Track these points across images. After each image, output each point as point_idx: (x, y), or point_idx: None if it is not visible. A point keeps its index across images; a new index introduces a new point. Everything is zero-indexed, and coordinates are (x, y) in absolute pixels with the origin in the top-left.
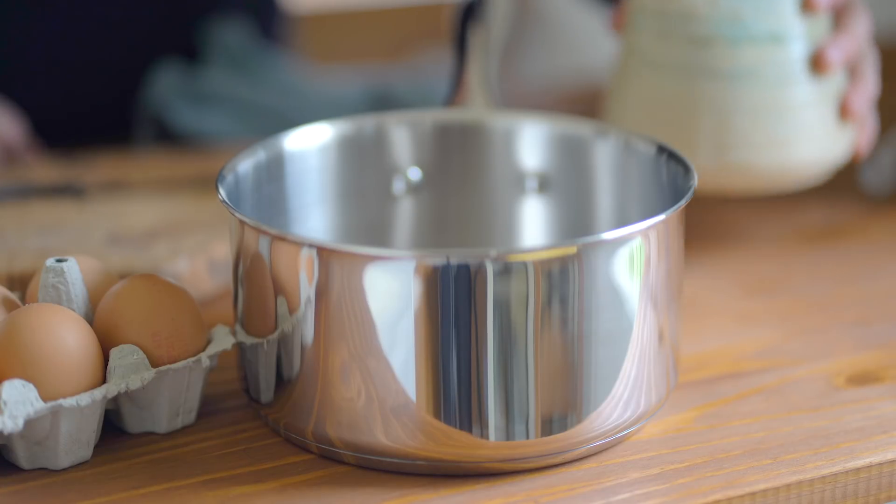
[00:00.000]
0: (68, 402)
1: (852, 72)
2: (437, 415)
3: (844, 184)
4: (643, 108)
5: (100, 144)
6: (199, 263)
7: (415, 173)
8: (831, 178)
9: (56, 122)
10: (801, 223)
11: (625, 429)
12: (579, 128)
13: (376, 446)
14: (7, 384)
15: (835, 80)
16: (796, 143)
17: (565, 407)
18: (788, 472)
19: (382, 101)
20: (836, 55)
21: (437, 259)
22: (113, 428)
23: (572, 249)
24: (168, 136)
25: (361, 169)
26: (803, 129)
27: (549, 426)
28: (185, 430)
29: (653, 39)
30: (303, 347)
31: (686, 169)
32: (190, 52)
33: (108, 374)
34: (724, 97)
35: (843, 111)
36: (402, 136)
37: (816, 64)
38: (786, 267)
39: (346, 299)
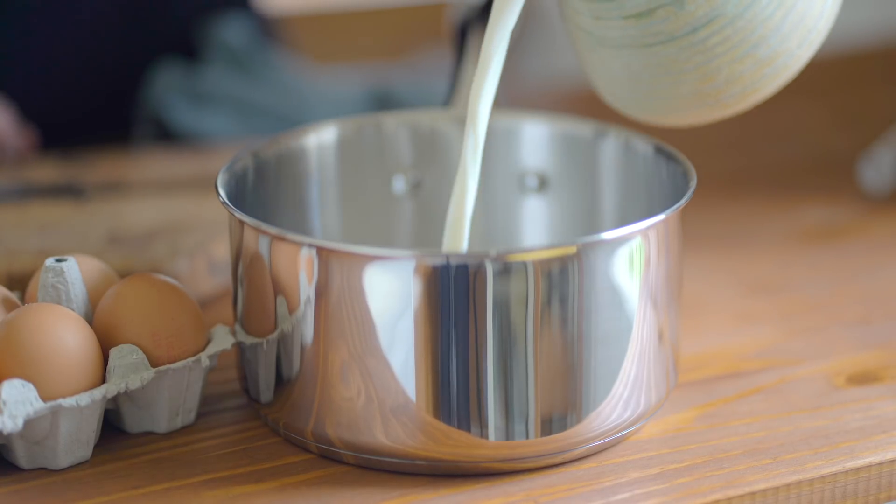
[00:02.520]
0: (68, 401)
1: None
2: (436, 415)
3: (844, 184)
4: (616, 82)
5: (100, 144)
6: (199, 263)
7: (415, 173)
8: (831, 178)
9: (55, 121)
10: (801, 223)
11: (625, 429)
12: (579, 127)
13: (376, 446)
14: (7, 384)
15: None
16: (789, 49)
17: (565, 407)
18: (788, 471)
19: (382, 101)
20: None
21: (437, 259)
22: (113, 428)
23: (572, 249)
24: (168, 136)
25: (361, 169)
26: (790, 31)
27: (549, 426)
28: (184, 430)
29: (613, 26)
30: (303, 347)
31: (686, 169)
32: (190, 52)
33: (107, 374)
34: (699, 51)
35: None
36: (402, 136)
37: None
38: (786, 267)
39: (346, 299)
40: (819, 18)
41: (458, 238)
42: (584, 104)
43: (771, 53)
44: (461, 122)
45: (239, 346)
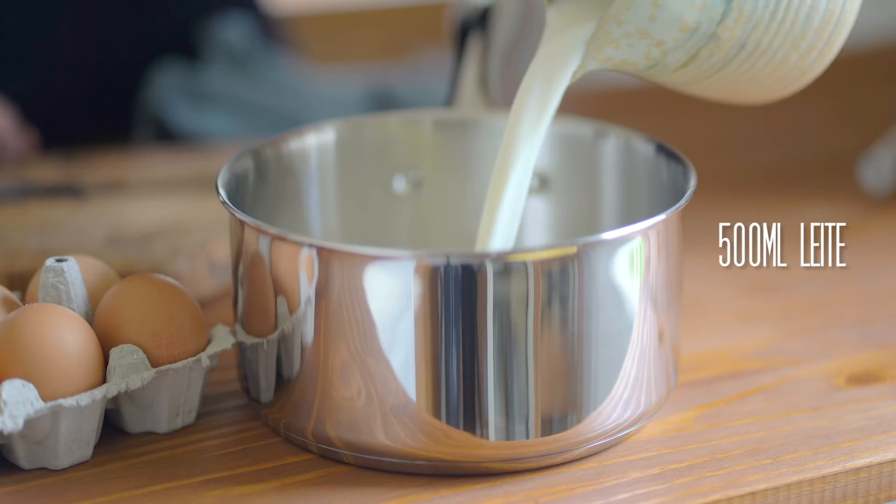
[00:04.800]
0: (68, 401)
1: None
2: (437, 415)
3: (845, 184)
4: (704, 95)
5: (100, 144)
6: (199, 263)
7: (415, 173)
8: (832, 178)
9: (56, 121)
10: (801, 223)
11: (625, 429)
12: (580, 127)
13: (376, 446)
14: (7, 384)
15: None
16: (834, 31)
17: (565, 407)
18: (788, 471)
19: (382, 101)
20: None
21: (437, 259)
22: (113, 428)
23: (572, 249)
24: (168, 136)
25: (361, 169)
26: (831, 16)
27: (549, 426)
28: (185, 430)
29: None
30: (303, 347)
31: (686, 169)
32: (190, 52)
33: (108, 374)
34: (760, 55)
35: None
36: (402, 136)
37: None
38: (786, 267)
39: (346, 299)
40: None
41: (489, 238)
42: (585, 104)
43: (827, 15)
44: (461, 123)
45: (239, 346)
